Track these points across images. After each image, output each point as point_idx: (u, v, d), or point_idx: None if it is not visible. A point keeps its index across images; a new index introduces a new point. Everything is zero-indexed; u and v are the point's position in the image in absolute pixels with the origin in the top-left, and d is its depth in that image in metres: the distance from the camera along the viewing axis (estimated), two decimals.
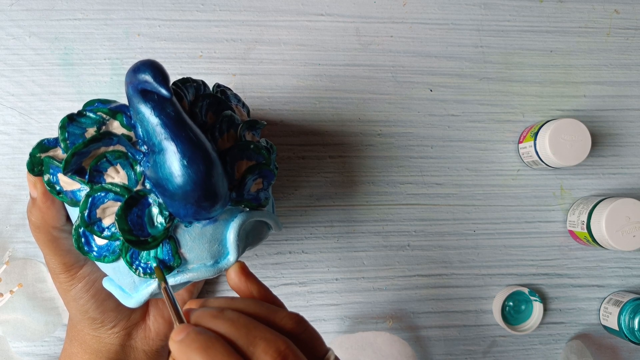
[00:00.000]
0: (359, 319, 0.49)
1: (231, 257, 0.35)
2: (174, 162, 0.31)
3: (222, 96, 0.38)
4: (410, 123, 0.51)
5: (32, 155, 0.33)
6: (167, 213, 0.33)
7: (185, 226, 0.34)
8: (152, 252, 0.34)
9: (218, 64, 0.49)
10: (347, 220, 0.50)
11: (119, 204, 0.33)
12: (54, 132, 0.47)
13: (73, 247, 0.38)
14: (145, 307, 0.43)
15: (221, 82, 0.49)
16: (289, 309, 0.32)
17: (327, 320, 0.49)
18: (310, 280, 0.49)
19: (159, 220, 0.33)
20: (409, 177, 0.50)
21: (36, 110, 0.47)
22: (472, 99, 0.51)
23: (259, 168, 0.36)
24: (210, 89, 0.38)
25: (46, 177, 0.34)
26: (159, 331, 0.43)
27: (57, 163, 0.33)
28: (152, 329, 0.43)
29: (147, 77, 0.30)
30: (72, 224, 0.38)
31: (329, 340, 0.49)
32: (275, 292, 0.49)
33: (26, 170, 0.35)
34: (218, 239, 0.35)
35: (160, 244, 0.33)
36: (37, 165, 0.34)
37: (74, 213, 0.35)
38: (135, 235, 0.32)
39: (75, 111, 0.33)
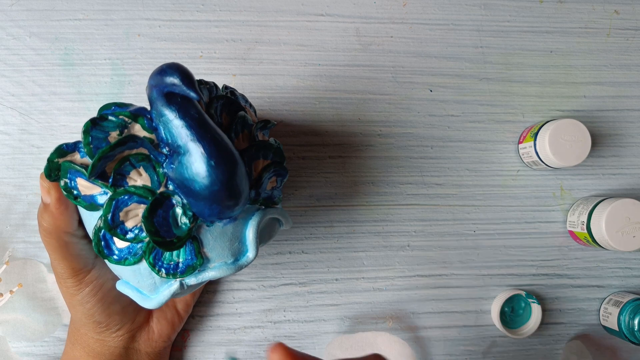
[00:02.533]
0: (358, 320, 0.49)
1: (250, 253, 0.36)
2: (200, 163, 0.32)
3: (231, 96, 0.38)
4: (410, 123, 0.51)
5: (50, 160, 0.33)
6: (190, 213, 0.33)
7: (207, 226, 0.34)
8: (175, 253, 0.34)
9: (218, 64, 0.49)
10: (347, 220, 0.50)
11: (142, 206, 0.33)
12: (54, 132, 0.47)
13: (82, 252, 0.38)
14: (148, 309, 0.43)
15: (221, 83, 0.49)
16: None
17: (327, 321, 0.49)
18: (310, 281, 0.49)
19: (183, 220, 0.33)
20: (409, 177, 0.50)
21: (36, 110, 0.47)
22: (472, 100, 0.51)
23: (274, 166, 0.37)
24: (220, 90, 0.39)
25: (63, 182, 0.34)
26: (161, 333, 0.43)
27: (77, 167, 0.33)
28: (155, 330, 0.43)
29: (175, 80, 0.31)
30: (83, 229, 0.38)
31: (328, 341, 0.49)
32: (275, 292, 0.49)
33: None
34: (238, 237, 0.35)
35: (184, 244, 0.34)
36: (54, 170, 0.34)
37: (90, 217, 0.35)
38: (162, 237, 0.33)
39: (97, 115, 0.33)
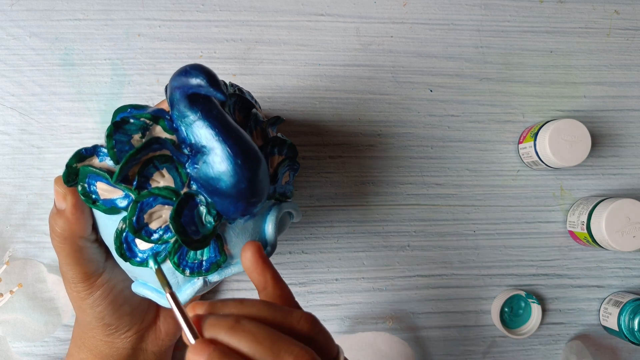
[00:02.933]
0: (358, 320, 0.49)
1: (269, 248, 0.37)
2: (226, 163, 0.32)
3: (239, 93, 0.38)
4: (410, 123, 0.51)
5: (68, 165, 0.33)
6: (215, 212, 0.33)
7: (229, 223, 0.35)
8: (199, 251, 0.34)
9: (218, 64, 0.49)
10: (347, 220, 0.50)
11: (166, 207, 0.33)
12: (54, 133, 0.47)
13: (94, 256, 0.38)
14: (156, 308, 0.43)
15: None
16: None
17: (327, 321, 0.49)
18: (310, 281, 0.49)
19: (208, 219, 0.33)
20: (408, 177, 0.50)
21: (36, 110, 0.47)
22: (472, 100, 0.51)
23: (289, 161, 0.38)
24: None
25: (80, 186, 0.33)
26: (168, 331, 0.43)
27: (99, 172, 0.33)
28: (162, 329, 0.43)
29: (201, 82, 0.31)
30: (94, 232, 0.38)
31: None
32: None
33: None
34: (258, 232, 0.36)
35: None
36: (72, 175, 0.34)
37: (108, 221, 0.35)
38: (190, 236, 0.33)
39: (113, 118, 0.33)
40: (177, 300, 0.29)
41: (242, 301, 0.29)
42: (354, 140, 0.50)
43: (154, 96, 0.48)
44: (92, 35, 0.48)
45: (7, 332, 0.45)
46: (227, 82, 0.39)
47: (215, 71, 0.49)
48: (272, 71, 0.49)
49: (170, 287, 0.30)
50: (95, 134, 0.48)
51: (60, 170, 0.47)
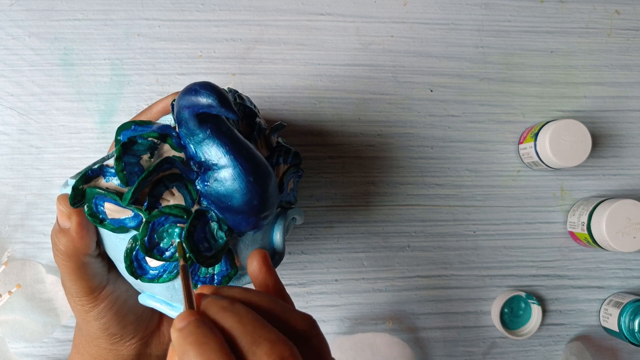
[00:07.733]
0: (358, 320, 0.49)
1: (278, 256, 0.37)
2: (238, 181, 0.32)
3: (240, 101, 0.38)
4: (410, 123, 0.50)
5: (75, 188, 0.33)
6: (226, 227, 0.33)
7: (239, 236, 0.35)
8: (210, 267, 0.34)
9: (218, 64, 0.49)
10: (347, 220, 0.50)
11: (177, 225, 0.33)
12: (53, 133, 0.47)
13: (98, 270, 0.38)
14: (159, 314, 0.43)
15: (220, 82, 0.49)
16: None
17: (327, 321, 0.49)
18: (310, 281, 0.49)
19: (219, 235, 0.33)
20: (408, 177, 0.50)
21: (35, 110, 0.47)
22: (473, 100, 0.51)
23: (294, 169, 0.38)
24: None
25: (87, 207, 0.33)
26: None
27: (106, 193, 0.32)
28: (165, 334, 0.43)
29: (212, 102, 0.30)
30: (98, 247, 0.37)
31: (328, 341, 0.48)
32: None
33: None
34: (267, 242, 0.36)
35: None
36: (79, 197, 0.33)
37: (115, 239, 0.34)
38: (203, 254, 0.33)
39: (126, 139, 0.32)
40: (186, 274, 0.30)
41: (247, 289, 0.30)
42: (354, 140, 0.50)
43: (154, 96, 0.48)
44: (91, 35, 0.48)
45: (6, 333, 0.45)
46: (226, 88, 0.39)
47: (215, 71, 0.49)
48: (272, 71, 0.49)
49: (186, 260, 0.30)
50: (94, 134, 0.48)
51: (60, 171, 0.47)
